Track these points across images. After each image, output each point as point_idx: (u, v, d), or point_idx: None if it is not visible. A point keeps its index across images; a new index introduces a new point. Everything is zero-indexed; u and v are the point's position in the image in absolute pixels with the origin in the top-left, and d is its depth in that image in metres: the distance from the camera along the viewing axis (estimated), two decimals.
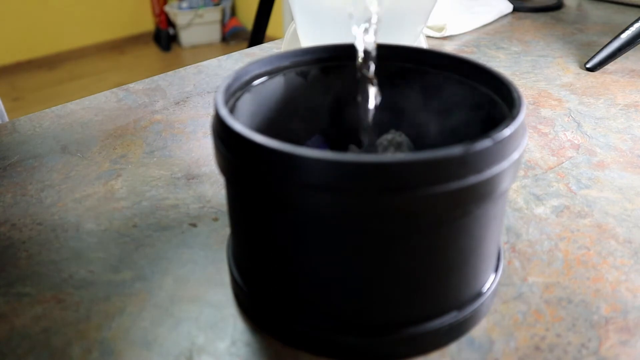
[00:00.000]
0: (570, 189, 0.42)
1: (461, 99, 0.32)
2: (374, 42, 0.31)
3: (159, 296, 0.32)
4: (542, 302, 0.32)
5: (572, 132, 0.50)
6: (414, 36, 0.46)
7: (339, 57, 0.34)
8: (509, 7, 0.83)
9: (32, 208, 0.40)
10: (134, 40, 3.14)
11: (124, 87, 0.60)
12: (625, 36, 0.63)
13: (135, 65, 2.89)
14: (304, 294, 0.28)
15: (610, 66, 0.64)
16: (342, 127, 0.36)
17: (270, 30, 1.64)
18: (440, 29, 0.74)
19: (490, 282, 0.30)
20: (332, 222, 0.25)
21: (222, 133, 0.26)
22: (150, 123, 0.52)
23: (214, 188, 0.42)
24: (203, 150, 0.47)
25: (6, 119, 0.64)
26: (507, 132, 0.25)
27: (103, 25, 3.03)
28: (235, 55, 0.69)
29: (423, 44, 0.51)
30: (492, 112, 0.30)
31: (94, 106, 0.55)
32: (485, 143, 0.24)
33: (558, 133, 0.50)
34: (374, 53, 0.31)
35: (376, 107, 0.32)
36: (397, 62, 0.34)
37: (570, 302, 0.32)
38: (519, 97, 0.27)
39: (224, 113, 0.26)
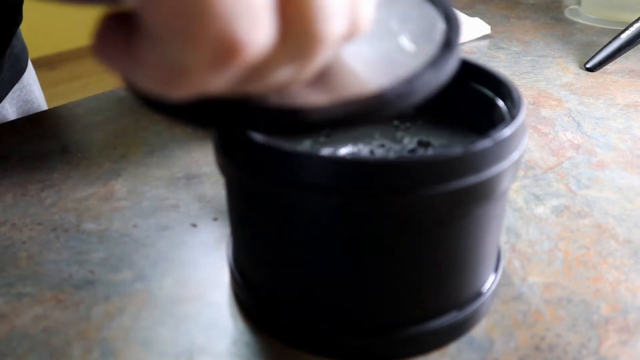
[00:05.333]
0: (570, 189, 0.42)
1: (461, 99, 0.32)
2: None
3: (159, 296, 0.32)
4: (542, 302, 0.32)
5: (572, 132, 0.50)
6: None
7: None
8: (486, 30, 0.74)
9: (32, 208, 0.40)
10: None
11: (124, 87, 0.60)
12: (625, 36, 0.63)
13: None
14: (304, 294, 0.28)
15: (610, 66, 0.64)
16: None
17: None
18: None
19: (490, 282, 0.30)
20: (332, 222, 0.25)
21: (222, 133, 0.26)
22: (151, 123, 0.52)
23: (214, 188, 0.42)
24: (203, 150, 0.47)
25: (45, 106, 0.64)
26: (507, 132, 0.25)
27: None
28: None
29: None
30: (492, 112, 0.30)
31: (94, 106, 0.55)
32: (485, 143, 0.24)
33: (558, 133, 0.50)
34: None
35: None
36: None
37: (570, 302, 0.32)
38: (519, 97, 0.27)
39: None
